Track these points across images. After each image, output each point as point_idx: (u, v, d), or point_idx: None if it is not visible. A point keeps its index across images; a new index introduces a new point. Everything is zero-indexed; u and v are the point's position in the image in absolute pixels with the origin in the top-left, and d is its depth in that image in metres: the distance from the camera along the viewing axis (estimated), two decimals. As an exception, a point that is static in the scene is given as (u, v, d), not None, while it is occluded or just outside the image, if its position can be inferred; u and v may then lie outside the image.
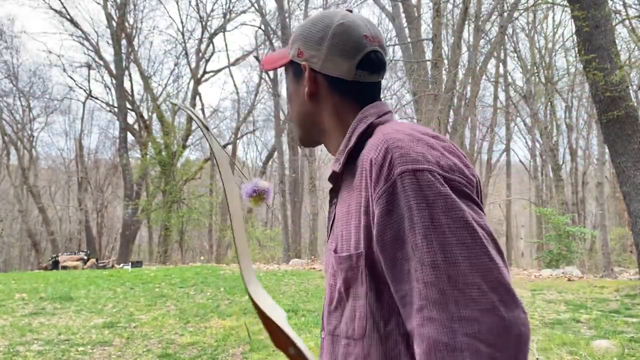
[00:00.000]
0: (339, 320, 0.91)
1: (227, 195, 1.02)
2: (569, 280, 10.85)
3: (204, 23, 25.15)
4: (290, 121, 1.08)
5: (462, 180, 0.82)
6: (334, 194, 1.00)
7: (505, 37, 20.12)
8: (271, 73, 24.52)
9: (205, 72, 25.79)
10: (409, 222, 0.77)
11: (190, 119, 24.70)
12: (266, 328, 1.00)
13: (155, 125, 25.14)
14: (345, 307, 0.90)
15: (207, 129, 1.06)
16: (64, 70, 34.15)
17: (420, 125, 0.93)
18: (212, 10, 33.55)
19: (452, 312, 0.72)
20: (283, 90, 23.73)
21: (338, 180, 0.98)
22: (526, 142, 25.48)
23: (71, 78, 38.74)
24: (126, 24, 24.04)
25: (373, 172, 0.83)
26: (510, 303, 0.73)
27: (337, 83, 0.98)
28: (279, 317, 1.00)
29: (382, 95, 1.04)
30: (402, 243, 0.78)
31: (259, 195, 1.06)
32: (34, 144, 28.77)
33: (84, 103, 28.82)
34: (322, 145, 1.07)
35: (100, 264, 17.45)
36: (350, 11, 1.02)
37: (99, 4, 23.89)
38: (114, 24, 23.06)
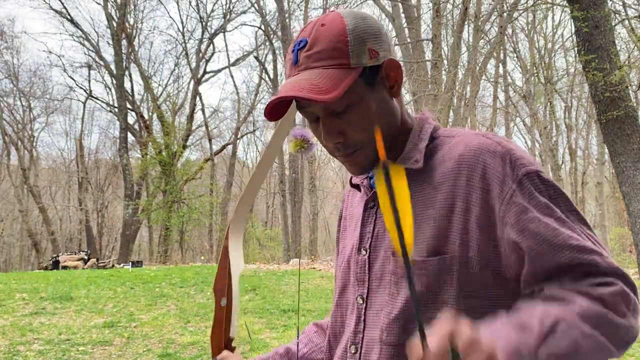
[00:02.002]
0: (403, 330, 0.86)
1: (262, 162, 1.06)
2: (569, 280, 10.85)
3: (204, 23, 25.19)
4: (363, 144, 0.90)
5: None
6: (375, 196, 0.94)
7: (505, 37, 20.13)
8: (271, 73, 24.57)
9: (205, 72, 25.81)
10: (555, 206, 0.83)
11: (190, 119, 24.75)
12: (218, 271, 1.06)
13: (156, 125, 25.18)
14: (412, 315, 0.85)
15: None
16: (64, 70, 34.15)
17: None
18: (213, 11, 33.44)
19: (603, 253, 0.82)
20: (283, 90, 23.70)
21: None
22: (526, 142, 25.49)
23: (71, 78, 38.69)
24: (126, 24, 24.06)
25: (490, 172, 0.84)
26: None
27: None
28: (235, 272, 1.05)
29: None
30: (545, 237, 0.81)
31: (302, 141, 1.00)
32: (34, 144, 28.82)
33: (84, 103, 28.87)
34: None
35: (101, 264, 17.47)
36: None
37: (99, 4, 23.93)
38: (114, 24, 23.07)
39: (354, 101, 0.86)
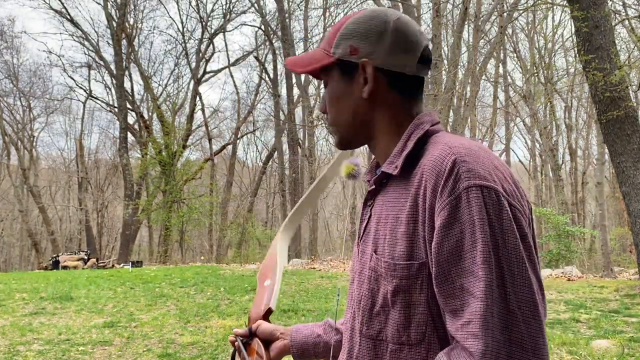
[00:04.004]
0: (383, 325, 0.90)
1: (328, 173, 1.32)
2: (569, 280, 10.86)
3: (204, 23, 25.18)
4: (333, 124, 1.02)
5: (519, 208, 0.82)
6: (372, 195, 0.99)
7: (505, 37, 20.13)
8: (271, 73, 24.57)
9: (205, 72, 25.79)
10: (471, 236, 0.78)
11: (190, 119, 24.74)
12: (265, 262, 1.29)
13: (156, 125, 25.16)
14: (389, 312, 0.89)
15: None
16: (64, 70, 33.96)
17: (481, 143, 0.92)
18: (212, 11, 33.42)
19: (495, 335, 0.75)
20: (283, 90, 23.74)
21: (381, 183, 0.97)
22: (526, 142, 25.55)
23: (71, 78, 38.74)
24: (126, 24, 24.05)
25: (437, 183, 0.82)
26: (536, 336, 0.77)
27: (397, 79, 0.95)
28: (281, 262, 1.27)
29: None
30: (459, 257, 0.79)
31: (353, 167, 1.14)
32: (34, 144, 28.81)
33: (84, 103, 28.89)
34: (365, 146, 1.05)
35: (101, 264, 17.47)
36: None
37: (99, 4, 23.93)
38: (114, 24, 23.06)
39: (329, 82, 0.99)
